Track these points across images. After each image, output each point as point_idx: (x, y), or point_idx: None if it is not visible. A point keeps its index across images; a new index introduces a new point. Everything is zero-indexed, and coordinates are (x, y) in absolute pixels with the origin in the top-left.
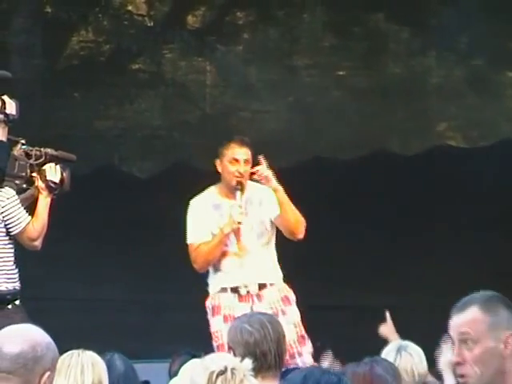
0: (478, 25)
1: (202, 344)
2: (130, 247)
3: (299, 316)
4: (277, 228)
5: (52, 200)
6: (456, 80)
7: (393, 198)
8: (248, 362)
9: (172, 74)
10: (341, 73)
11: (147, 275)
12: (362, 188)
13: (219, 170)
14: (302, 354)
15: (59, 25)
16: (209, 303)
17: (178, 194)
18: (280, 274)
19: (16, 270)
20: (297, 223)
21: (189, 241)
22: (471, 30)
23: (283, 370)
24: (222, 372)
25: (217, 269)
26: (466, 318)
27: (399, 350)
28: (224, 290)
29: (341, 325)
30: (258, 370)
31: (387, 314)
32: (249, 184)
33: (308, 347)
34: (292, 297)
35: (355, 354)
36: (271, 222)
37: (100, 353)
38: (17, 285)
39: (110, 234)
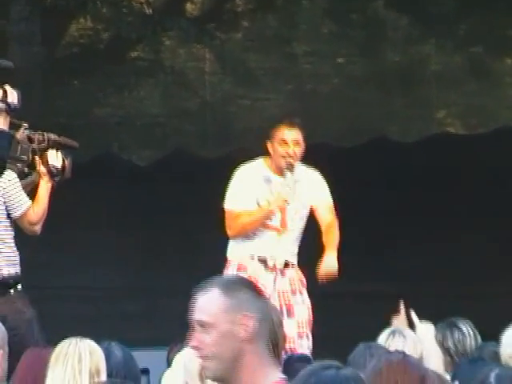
0: (476, 12)
1: None
2: (130, 234)
3: (309, 300)
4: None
5: (53, 186)
6: (455, 67)
7: (392, 185)
8: None
9: (171, 62)
10: (340, 60)
11: (147, 262)
12: (361, 175)
13: (271, 151)
14: (308, 336)
15: (58, 13)
16: (234, 261)
17: (178, 181)
18: (297, 259)
19: (17, 253)
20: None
21: (229, 206)
22: (470, 17)
23: (287, 356)
24: None
25: (250, 237)
26: (205, 301)
27: (393, 332)
28: (251, 257)
29: (337, 311)
30: None
31: (401, 305)
32: (299, 166)
33: (310, 332)
34: (305, 281)
35: (348, 341)
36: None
37: (98, 341)
38: (18, 269)
39: (109, 222)
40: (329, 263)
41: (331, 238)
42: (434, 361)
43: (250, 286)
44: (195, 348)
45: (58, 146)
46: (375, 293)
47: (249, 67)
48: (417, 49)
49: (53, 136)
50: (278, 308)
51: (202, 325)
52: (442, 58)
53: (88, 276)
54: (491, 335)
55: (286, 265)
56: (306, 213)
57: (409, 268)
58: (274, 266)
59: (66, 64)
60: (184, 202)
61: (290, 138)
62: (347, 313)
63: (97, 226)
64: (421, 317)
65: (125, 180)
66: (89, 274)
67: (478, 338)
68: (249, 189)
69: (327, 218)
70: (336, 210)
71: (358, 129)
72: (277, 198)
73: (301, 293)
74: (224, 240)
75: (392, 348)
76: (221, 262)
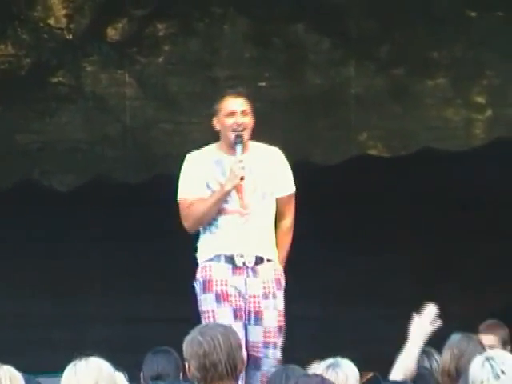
0: (397, 34)
1: (126, 357)
2: (52, 261)
3: (283, 304)
4: None
5: None
6: (376, 89)
7: (314, 209)
8: None
9: (92, 87)
10: (262, 84)
11: (71, 289)
12: None
13: (217, 128)
14: (276, 345)
15: None
16: (199, 276)
17: (99, 206)
18: (276, 253)
19: None
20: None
21: (181, 196)
22: (391, 39)
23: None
24: None
25: (213, 230)
26: None
27: (328, 367)
28: (218, 258)
29: None
30: (210, 381)
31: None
32: (254, 144)
33: (281, 340)
34: (283, 282)
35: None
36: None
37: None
38: None
39: (31, 248)
40: None
41: (283, 248)
42: None
43: None
44: None
45: None
46: (300, 314)
47: (170, 91)
48: (338, 71)
49: None
50: (247, 314)
51: None
52: (363, 81)
53: (13, 303)
54: None
55: (260, 261)
56: (268, 192)
57: (332, 288)
58: (244, 264)
59: None
60: (106, 228)
61: (238, 109)
62: None
63: (18, 252)
64: (343, 337)
65: (46, 206)
66: (14, 301)
67: None
68: (198, 175)
69: (286, 213)
70: None
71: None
72: (230, 176)
73: (274, 296)
74: (150, 265)
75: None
76: (149, 288)
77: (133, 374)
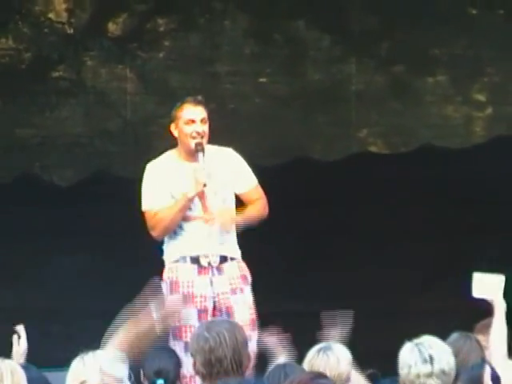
0: (398, 31)
1: None
2: (50, 255)
3: (252, 298)
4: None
5: None
6: (377, 86)
7: (314, 204)
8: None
9: (93, 82)
10: (262, 80)
11: (71, 283)
12: (284, 194)
13: (175, 134)
14: (251, 338)
15: None
16: (166, 276)
17: (99, 201)
18: (239, 251)
19: None
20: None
21: (146, 207)
22: (391, 37)
23: None
24: None
25: (178, 234)
26: None
27: (319, 350)
28: (183, 259)
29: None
30: (215, 376)
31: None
32: (210, 147)
33: (256, 333)
34: (249, 277)
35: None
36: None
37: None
38: None
39: (30, 243)
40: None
41: (247, 208)
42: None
43: None
44: None
45: None
46: (297, 311)
47: (171, 87)
48: (338, 68)
49: None
50: (218, 312)
51: None
52: (364, 77)
53: (11, 297)
54: None
55: (224, 260)
56: (229, 194)
57: (332, 286)
58: (209, 264)
59: None
60: (106, 223)
61: (197, 117)
62: None
63: (19, 246)
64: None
65: (46, 201)
66: (12, 295)
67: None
68: (161, 185)
69: (257, 201)
70: (256, 230)
71: (281, 148)
72: (194, 184)
73: (242, 291)
74: (147, 260)
75: (316, 366)
76: (143, 282)
77: (132, 369)
